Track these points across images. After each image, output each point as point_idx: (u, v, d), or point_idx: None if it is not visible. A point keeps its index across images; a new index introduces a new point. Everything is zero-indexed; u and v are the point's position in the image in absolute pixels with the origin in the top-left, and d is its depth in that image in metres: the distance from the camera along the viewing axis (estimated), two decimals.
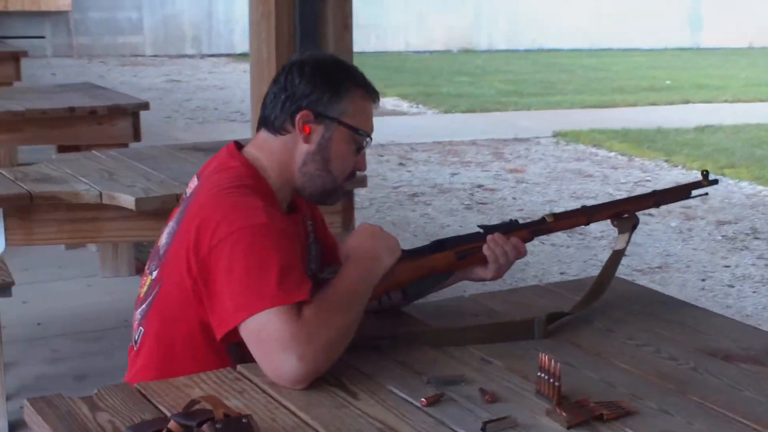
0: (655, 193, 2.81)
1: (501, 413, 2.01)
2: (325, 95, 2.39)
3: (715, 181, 2.84)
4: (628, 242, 2.71)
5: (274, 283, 2.15)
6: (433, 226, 7.15)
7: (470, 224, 7.15)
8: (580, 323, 2.55)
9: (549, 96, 13.63)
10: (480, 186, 8.49)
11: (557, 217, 2.69)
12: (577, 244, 6.72)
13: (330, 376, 2.17)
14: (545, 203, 7.97)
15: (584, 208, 2.74)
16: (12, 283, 4.08)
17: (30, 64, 14.36)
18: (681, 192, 2.87)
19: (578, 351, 2.38)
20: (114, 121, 5.63)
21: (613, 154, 10.00)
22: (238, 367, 2.22)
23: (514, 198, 8.12)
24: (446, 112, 12.54)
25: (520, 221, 2.64)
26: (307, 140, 2.41)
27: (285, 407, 2.04)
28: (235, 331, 2.20)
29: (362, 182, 4.03)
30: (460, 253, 2.56)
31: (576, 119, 11.74)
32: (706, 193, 2.84)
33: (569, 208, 2.78)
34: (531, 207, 7.82)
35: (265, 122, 2.46)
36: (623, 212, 2.73)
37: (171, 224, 2.41)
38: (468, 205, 7.83)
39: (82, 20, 16.83)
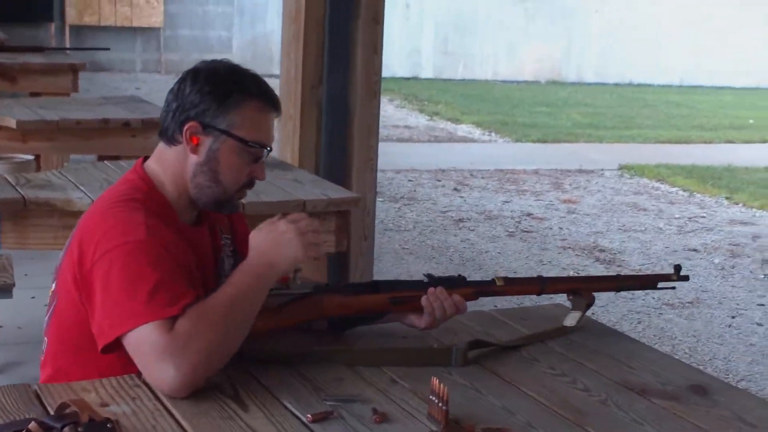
0: (618, 277, 2.83)
1: None
2: (212, 106, 2.35)
3: (686, 278, 2.76)
4: (578, 321, 2.68)
5: (143, 300, 2.15)
6: (471, 252, 7.10)
7: (510, 252, 7.11)
8: (508, 352, 2.54)
9: (625, 130, 13.44)
10: (529, 214, 8.42)
11: (508, 281, 2.65)
12: None
13: (228, 387, 2.19)
14: (591, 234, 7.88)
15: (539, 278, 2.71)
16: (12, 285, 4.18)
17: (115, 77, 14.70)
18: (646, 281, 2.87)
19: (491, 378, 2.37)
20: (148, 134, 5.69)
21: (674, 189, 9.85)
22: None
23: (560, 228, 8.04)
24: (517, 141, 12.46)
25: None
26: (195, 151, 2.38)
27: (171, 415, 2.06)
28: (117, 343, 2.20)
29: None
30: (396, 299, 2.54)
31: (646, 154, 11.58)
32: (673, 287, 2.78)
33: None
34: (575, 237, 7.74)
35: (160, 132, 2.44)
36: (579, 289, 2.71)
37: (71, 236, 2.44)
38: (512, 232, 7.77)
39: (173, 37, 17.09)
